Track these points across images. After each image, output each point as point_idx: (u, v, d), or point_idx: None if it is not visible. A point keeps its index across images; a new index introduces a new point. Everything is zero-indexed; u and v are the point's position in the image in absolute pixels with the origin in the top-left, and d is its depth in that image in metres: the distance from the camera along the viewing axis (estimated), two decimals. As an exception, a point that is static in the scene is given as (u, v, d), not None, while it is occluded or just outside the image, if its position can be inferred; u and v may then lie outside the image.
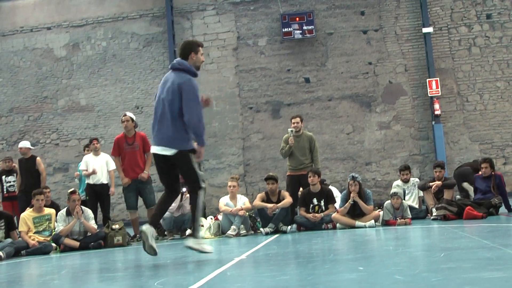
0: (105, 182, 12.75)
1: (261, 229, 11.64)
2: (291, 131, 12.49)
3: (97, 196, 12.62)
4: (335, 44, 21.92)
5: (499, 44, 21.49)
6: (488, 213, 11.24)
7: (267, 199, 11.94)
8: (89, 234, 11.14)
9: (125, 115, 12.29)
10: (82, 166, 13.10)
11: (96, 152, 13.01)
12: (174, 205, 12.21)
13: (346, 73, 21.80)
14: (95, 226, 11.30)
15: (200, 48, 7.72)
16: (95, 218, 11.89)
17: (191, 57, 7.62)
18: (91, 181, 12.64)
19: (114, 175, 13.03)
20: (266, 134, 21.81)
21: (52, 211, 11.61)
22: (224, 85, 22.23)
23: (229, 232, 11.51)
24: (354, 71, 21.77)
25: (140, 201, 12.49)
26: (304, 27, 21.43)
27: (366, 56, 21.78)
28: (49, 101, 22.99)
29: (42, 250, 10.76)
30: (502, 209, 11.97)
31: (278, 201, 11.82)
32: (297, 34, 21.47)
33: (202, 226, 12.02)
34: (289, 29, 21.46)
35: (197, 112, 7.14)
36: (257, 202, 11.95)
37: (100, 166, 12.82)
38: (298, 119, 12.76)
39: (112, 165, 12.93)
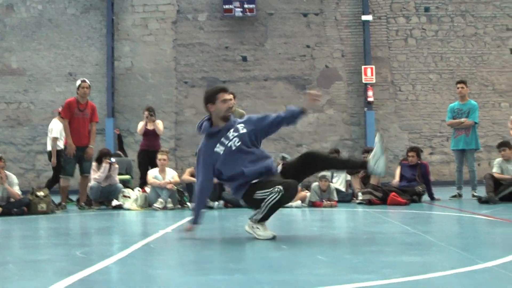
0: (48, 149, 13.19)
1: (188, 203, 11.61)
2: (224, 106, 12.47)
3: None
4: (275, 24, 21.93)
5: (435, 37, 21.90)
6: (411, 200, 11.47)
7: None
8: (12, 200, 10.89)
9: (85, 81, 12.02)
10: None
11: None
12: (101, 175, 12.08)
13: (283, 55, 21.87)
14: (19, 192, 11.05)
15: (221, 95, 6.43)
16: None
17: (209, 109, 6.45)
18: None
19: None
20: (200, 109, 21.67)
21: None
22: (160, 58, 22.00)
23: (155, 205, 11.44)
24: (292, 53, 21.85)
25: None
26: (245, 5, 21.36)
27: (305, 39, 21.88)
28: (-22, 61, 22.32)
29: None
30: (425, 197, 12.24)
31: None
32: (238, 11, 21.39)
33: (129, 197, 11.93)
34: (230, 6, 21.36)
35: (198, 181, 6.29)
36: (186, 176, 11.92)
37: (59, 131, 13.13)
38: (231, 96, 12.68)
39: (55, 132, 13.18)
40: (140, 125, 13.44)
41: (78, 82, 12.02)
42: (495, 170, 11.77)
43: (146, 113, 13.44)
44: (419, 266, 4.10)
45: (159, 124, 13.51)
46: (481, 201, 10.72)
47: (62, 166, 12.13)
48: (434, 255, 4.75)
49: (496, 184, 11.31)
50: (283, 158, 11.55)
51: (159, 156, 12.11)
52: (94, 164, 12.25)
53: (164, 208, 11.43)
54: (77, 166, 12.06)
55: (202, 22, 22.02)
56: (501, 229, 6.86)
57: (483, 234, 6.46)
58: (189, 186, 11.73)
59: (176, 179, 12.02)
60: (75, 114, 11.76)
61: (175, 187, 11.87)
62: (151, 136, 13.34)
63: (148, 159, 13.17)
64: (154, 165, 12.57)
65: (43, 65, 22.10)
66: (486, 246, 5.37)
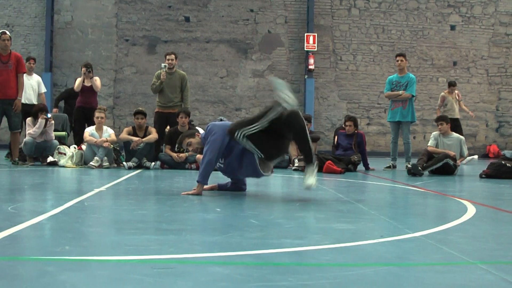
0: (34, 102, 13.20)
1: (124, 163, 11.54)
2: (164, 66, 12.42)
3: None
4: (219, -14, 21.77)
5: (378, 9, 22.09)
6: (346, 169, 11.64)
7: (134, 134, 11.83)
8: None
9: (5, 33, 11.70)
10: None
11: (30, 72, 13.44)
12: (37, 130, 11.87)
13: (226, 17, 21.75)
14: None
15: None
16: None
17: None
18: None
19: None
20: (139, 68, 21.50)
21: None
22: (101, 14, 21.62)
23: (91, 163, 11.34)
24: (235, 16, 21.76)
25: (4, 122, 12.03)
26: (190, -35, 21.09)
27: (249, 2, 21.80)
28: None
29: None
30: (360, 167, 12.43)
31: (145, 136, 11.74)
32: (182, -29, 21.12)
33: (64, 154, 11.77)
34: (175, -36, 21.05)
35: (209, 157, 6.54)
36: (123, 135, 11.83)
37: (31, 86, 13.29)
38: (172, 56, 12.68)
39: (44, 88, 13.72)
40: (78, 81, 13.22)
41: None
42: (430, 143, 12.01)
43: (84, 69, 13.21)
44: (350, 233, 4.18)
45: (97, 81, 13.30)
46: (410, 172, 10.92)
47: None
48: (365, 223, 4.84)
49: (430, 158, 11.55)
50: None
51: (97, 113, 11.98)
52: (29, 119, 12.03)
53: (100, 166, 11.34)
54: (5, 119, 11.81)
55: (146, -21, 21.70)
56: (431, 201, 7.02)
57: (413, 205, 6.61)
58: (126, 145, 11.66)
59: (113, 137, 11.92)
60: None
61: (112, 146, 11.77)
62: (88, 93, 13.11)
63: (84, 116, 13.00)
64: (90, 122, 12.43)
65: (-21, 14, 21.47)
66: (416, 216, 5.50)
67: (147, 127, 11.96)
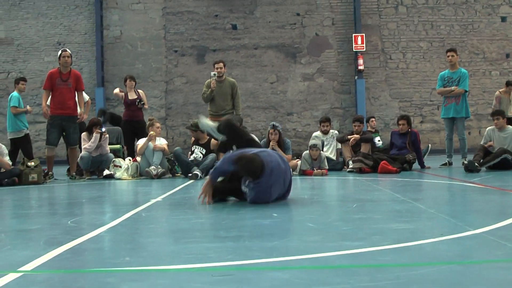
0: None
1: (197, 171, 11.26)
2: (214, 74, 12.48)
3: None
4: (264, -8, 21.81)
5: (425, 5, 21.83)
6: (402, 168, 11.52)
7: (196, 144, 11.98)
8: (2, 170, 10.85)
9: (65, 50, 11.93)
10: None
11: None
12: (92, 144, 12.07)
13: (273, 23, 21.77)
14: (10, 162, 11.01)
15: None
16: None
17: None
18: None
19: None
20: (189, 78, 21.66)
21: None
22: (149, 27, 21.87)
23: (148, 168, 11.45)
24: (282, 21, 21.76)
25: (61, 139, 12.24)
26: (235, -27, 21.20)
27: (295, 7, 21.77)
28: (-34, 30, 22.12)
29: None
30: (416, 165, 12.29)
31: (208, 143, 11.82)
32: (227, -21, 21.24)
33: (120, 167, 11.92)
34: (219, -27, 21.18)
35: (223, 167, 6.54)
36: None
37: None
38: (221, 64, 12.74)
39: (87, 96, 13.42)
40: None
41: (59, 52, 11.94)
42: (482, 142, 11.83)
43: (131, 82, 13.39)
44: (409, 233, 4.13)
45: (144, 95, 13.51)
46: (468, 169, 10.74)
47: (46, 134, 12.06)
48: (423, 222, 4.78)
49: (486, 154, 11.35)
50: (274, 127, 11.52)
51: (157, 124, 12.15)
52: (84, 133, 12.23)
53: (157, 175, 11.41)
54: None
55: (192, -10, 21.87)
56: (490, 197, 6.89)
57: (472, 202, 6.50)
58: (178, 157, 11.73)
59: (166, 148, 12.02)
60: (58, 84, 11.66)
61: (167, 150, 11.92)
62: (134, 106, 13.22)
63: (132, 130, 13.13)
64: (140, 135, 12.56)
65: (31, 34, 21.96)
66: (475, 213, 5.40)
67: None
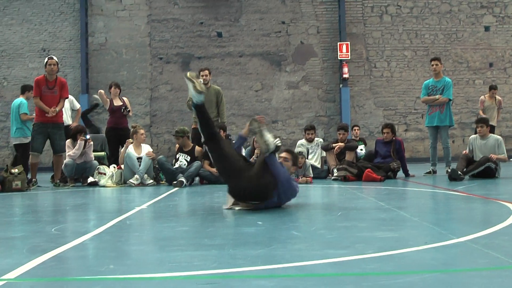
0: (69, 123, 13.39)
1: (182, 178, 11.25)
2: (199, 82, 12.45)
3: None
4: (249, 0, 21.83)
5: (410, 14, 21.95)
6: (386, 177, 11.55)
7: (181, 151, 11.94)
8: (-15, 177, 10.77)
9: (52, 58, 11.87)
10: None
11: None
12: (76, 152, 12.00)
13: (258, 31, 21.81)
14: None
15: None
16: None
17: None
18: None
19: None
20: (174, 86, 21.63)
21: None
22: (135, 34, 21.84)
23: (131, 180, 11.42)
24: (267, 29, 21.80)
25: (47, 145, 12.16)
26: (220, -19, 21.22)
27: (280, 15, 21.83)
28: (-51, 36, 21.98)
29: None
30: (400, 174, 12.33)
31: (193, 151, 11.81)
32: (213, -13, 21.26)
33: (104, 174, 11.87)
34: (205, -19, 21.19)
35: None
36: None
37: (65, 108, 12.90)
38: (206, 72, 12.76)
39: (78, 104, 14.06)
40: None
41: (46, 60, 11.89)
42: (467, 149, 11.89)
43: (116, 89, 13.36)
44: (393, 241, 4.14)
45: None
46: (451, 177, 10.78)
47: (31, 141, 12.00)
48: (407, 230, 4.80)
49: (469, 162, 11.40)
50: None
51: (141, 130, 12.11)
52: (68, 140, 12.16)
53: (140, 184, 11.40)
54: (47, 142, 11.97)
55: (177, -3, 21.87)
56: (474, 205, 6.92)
57: (456, 210, 6.52)
58: (162, 166, 11.69)
59: (152, 153, 11.99)
60: (44, 92, 11.61)
61: (153, 157, 11.88)
62: (118, 113, 13.17)
63: (117, 138, 13.07)
64: (122, 143, 12.53)
65: (16, 40, 21.86)
66: (459, 221, 5.42)
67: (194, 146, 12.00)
